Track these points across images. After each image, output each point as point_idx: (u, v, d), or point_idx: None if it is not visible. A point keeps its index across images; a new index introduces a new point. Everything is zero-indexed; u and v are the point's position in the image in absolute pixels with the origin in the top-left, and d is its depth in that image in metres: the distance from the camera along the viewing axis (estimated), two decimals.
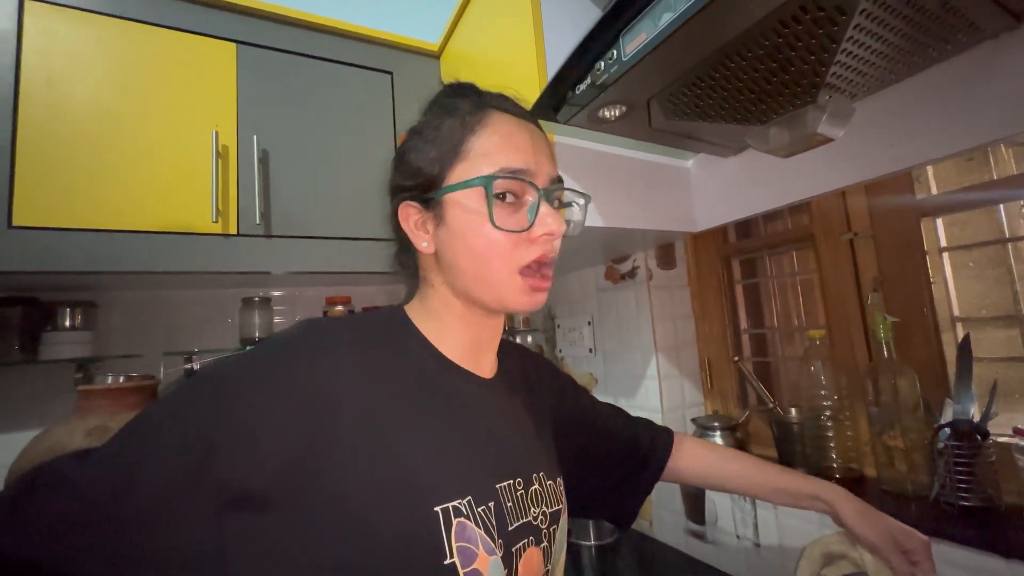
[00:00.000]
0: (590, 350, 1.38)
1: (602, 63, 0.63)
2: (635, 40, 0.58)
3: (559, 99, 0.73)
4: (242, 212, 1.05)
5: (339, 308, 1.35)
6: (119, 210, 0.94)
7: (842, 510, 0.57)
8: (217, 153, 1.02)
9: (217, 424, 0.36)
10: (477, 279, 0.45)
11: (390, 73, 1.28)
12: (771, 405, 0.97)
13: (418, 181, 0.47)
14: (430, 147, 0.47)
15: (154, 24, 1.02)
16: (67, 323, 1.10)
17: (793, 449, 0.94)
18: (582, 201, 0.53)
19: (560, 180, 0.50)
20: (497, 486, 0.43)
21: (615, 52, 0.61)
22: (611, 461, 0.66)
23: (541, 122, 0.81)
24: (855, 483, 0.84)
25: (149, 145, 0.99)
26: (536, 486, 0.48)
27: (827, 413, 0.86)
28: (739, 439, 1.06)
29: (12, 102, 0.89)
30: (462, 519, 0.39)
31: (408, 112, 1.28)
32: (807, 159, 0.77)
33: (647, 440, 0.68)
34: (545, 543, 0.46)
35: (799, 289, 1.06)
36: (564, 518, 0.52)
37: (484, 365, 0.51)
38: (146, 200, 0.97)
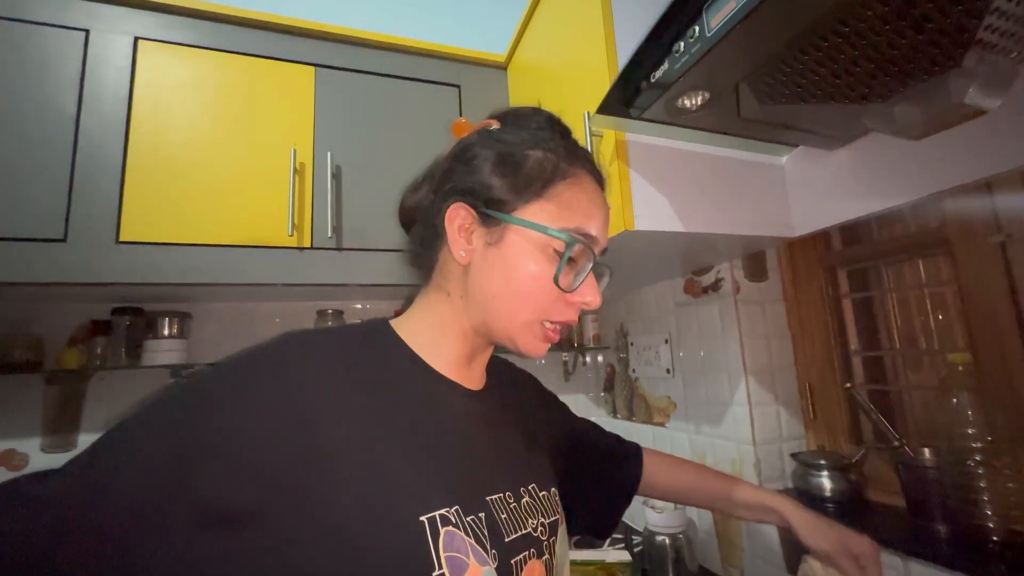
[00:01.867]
0: (668, 371, 1.26)
1: (682, 43, 0.56)
2: (722, 11, 0.50)
3: (632, 90, 0.66)
4: (316, 226, 1.08)
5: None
6: (209, 226, 1.01)
7: (793, 520, 0.62)
8: (295, 170, 1.06)
9: (192, 438, 0.35)
10: (502, 311, 0.45)
11: (457, 87, 1.28)
12: (897, 444, 0.80)
13: (488, 194, 0.45)
14: (514, 169, 0.45)
15: (242, 53, 1.10)
16: (166, 332, 1.19)
17: (928, 499, 0.76)
18: (607, 275, 0.52)
19: (605, 252, 0.49)
20: (487, 498, 0.42)
21: (697, 28, 0.54)
22: (592, 474, 0.67)
23: (611, 118, 0.76)
24: (1022, 550, 0.66)
25: (236, 165, 1.05)
26: (527, 498, 0.47)
27: (976, 457, 0.69)
28: (853, 482, 0.89)
29: (124, 130, 0.98)
30: (450, 528, 0.37)
31: (475, 123, 1.27)
32: (942, 142, 0.63)
33: (620, 454, 0.71)
34: (547, 555, 0.45)
35: (928, 304, 0.89)
36: (562, 529, 0.51)
37: (473, 377, 0.50)
38: (232, 216, 1.03)
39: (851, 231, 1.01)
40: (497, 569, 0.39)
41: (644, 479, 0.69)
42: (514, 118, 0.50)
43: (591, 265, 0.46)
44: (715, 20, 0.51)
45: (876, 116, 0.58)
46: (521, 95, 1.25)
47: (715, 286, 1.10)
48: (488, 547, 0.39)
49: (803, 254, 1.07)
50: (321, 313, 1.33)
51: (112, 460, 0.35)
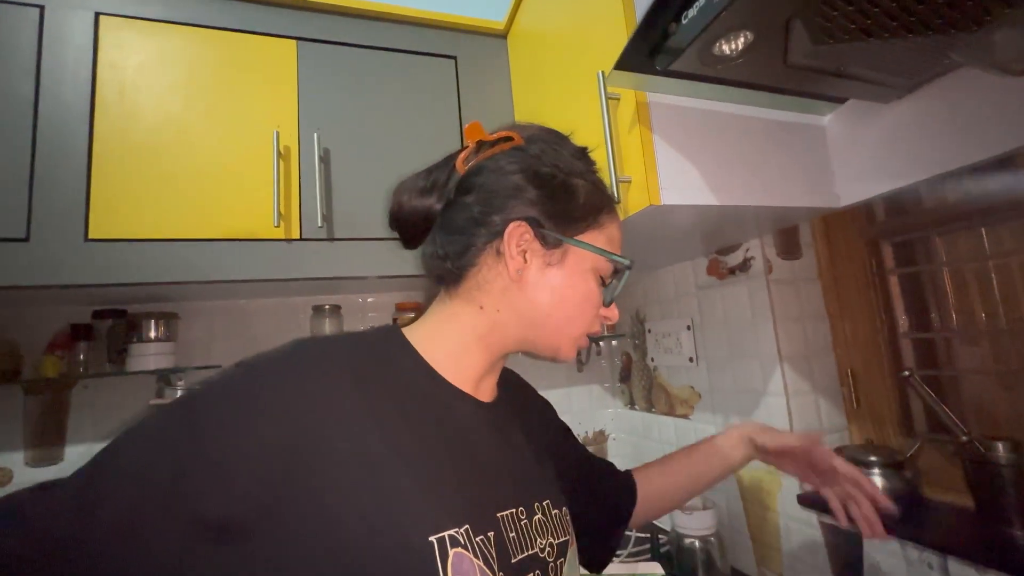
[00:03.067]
0: (691, 359, 1.17)
1: None
2: None
3: (659, 36, 0.56)
4: (304, 216, 0.99)
5: (410, 315, 1.27)
6: (185, 219, 0.92)
7: (758, 439, 0.67)
8: (278, 154, 0.97)
9: (190, 451, 0.35)
10: (554, 326, 0.47)
11: (454, 58, 1.17)
12: (964, 437, 0.71)
13: (550, 217, 0.47)
14: (569, 196, 0.48)
15: (215, 28, 0.99)
16: (151, 334, 1.11)
17: (1001, 499, 0.67)
18: None
19: None
20: (498, 515, 0.42)
21: None
22: (584, 495, 0.63)
23: (630, 76, 0.66)
24: None
25: (213, 150, 0.96)
26: (540, 515, 0.46)
27: None
28: (908, 480, 0.80)
29: (89, 116, 0.89)
30: (459, 549, 0.36)
31: (474, 98, 1.17)
32: None
33: (612, 473, 0.69)
34: None
35: (993, 279, 0.79)
36: (572, 550, 0.49)
37: (485, 389, 0.50)
38: (211, 207, 0.94)
39: (896, 200, 0.90)
40: None
41: (640, 503, 0.67)
42: (543, 140, 0.50)
43: (622, 285, 0.50)
44: None
45: (968, 48, 0.47)
46: (524, 65, 1.14)
47: (743, 266, 1.00)
48: (496, 569, 0.39)
49: (842, 227, 0.97)
50: (318, 309, 1.25)
51: (109, 473, 0.35)
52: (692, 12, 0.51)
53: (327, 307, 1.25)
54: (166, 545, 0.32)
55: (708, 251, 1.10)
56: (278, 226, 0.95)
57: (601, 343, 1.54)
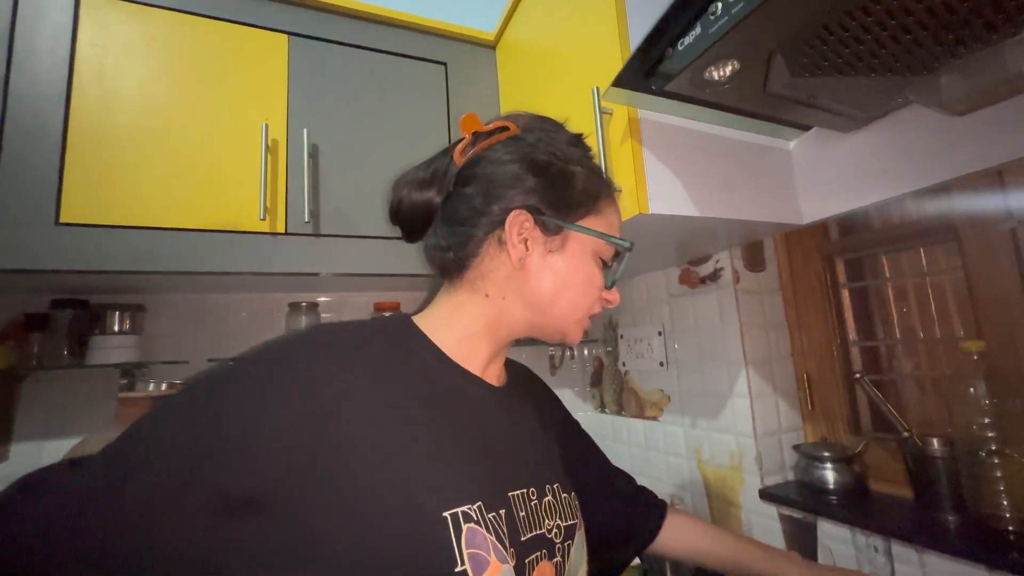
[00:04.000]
0: (661, 363, 1.23)
1: (719, 3, 0.51)
2: None
3: (655, 59, 0.61)
4: (290, 210, 0.99)
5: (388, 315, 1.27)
6: (167, 207, 0.89)
7: None
8: (267, 147, 0.96)
9: (214, 428, 0.36)
10: (558, 312, 0.48)
11: (444, 64, 1.20)
12: (905, 434, 0.79)
13: (550, 204, 0.48)
14: (568, 183, 0.49)
15: (205, 16, 0.98)
16: (115, 327, 1.06)
17: (937, 489, 0.76)
18: None
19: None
20: (509, 494, 0.43)
21: None
22: (609, 516, 0.64)
23: (623, 94, 0.70)
24: None
25: (198, 139, 0.94)
26: (550, 497, 0.47)
27: (991, 447, 0.68)
28: (857, 473, 0.88)
29: (65, 97, 0.86)
30: (472, 525, 0.37)
31: (462, 103, 1.20)
32: (970, 123, 0.61)
33: (645, 503, 0.69)
34: (559, 558, 0.45)
35: (929, 293, 0.89)
36: (580, 534, 0.50)
37: (493, 373, 0.51)
38: (194, 197, 0.92)
39: (847, 221, 1.00)
40: (514, 567, 0.39)
41: (665, 534, 0.67)
42: (539, 128, 0.51)
43: (623, 268, 0.52)
44: None
45: (919, 89, 0.55)
46: (512, 74, 1.19)
47: (714, 276, 1.08)
48: (507, 545, 0.40)
49: (800, 243, 1.06)
50: (294, 306, 1.23)
51: (136, 451, 0.36)
52: (688, 40, 0.56)
53: (304, 304, 1.23)
54: (191, 520, 0.33)
55: (680, 261, 1.17)
56: (264, 219, 0.94)
57: (573, 348, 1.59)
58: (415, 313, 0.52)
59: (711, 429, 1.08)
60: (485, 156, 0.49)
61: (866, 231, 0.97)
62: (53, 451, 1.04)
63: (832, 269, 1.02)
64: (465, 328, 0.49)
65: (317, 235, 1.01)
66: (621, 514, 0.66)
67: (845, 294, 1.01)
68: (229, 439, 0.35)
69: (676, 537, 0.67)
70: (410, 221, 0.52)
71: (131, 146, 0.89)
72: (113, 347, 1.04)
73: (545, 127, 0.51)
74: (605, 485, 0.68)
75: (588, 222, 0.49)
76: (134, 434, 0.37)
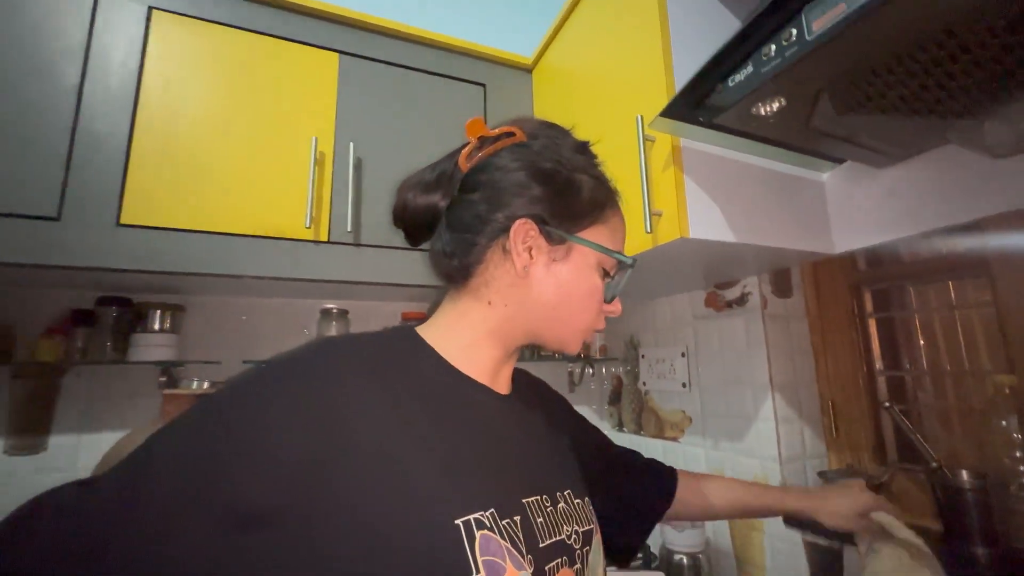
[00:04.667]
0: (684, 384, 1.24)
1: (773, 45, 0.54)
2: (828, 13, 0.49)
3: (704, 92, 0.64)
4: (334, 219, 1.02)
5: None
6: (219, 213, 0.94)
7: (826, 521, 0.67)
8: (315, 159, 1.00)
9: (225, 443, 0.35)
10: (560, 320, 0.49)
11: (483, 85, 1.25)
12: (934, 465, 0.80)
13: (554, 214, 0.48)
14: (574, 192, 0.49)
15: (263, 33, 1.03)
16: (156, 325, 1.10)
17: (967, 521, 0.76)
18: None
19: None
20: (524, 501, 0.43)
21: (795, 31, 0.52)
22: (617, 486, 0.66)
23: (667, 123, 0.74)
24: None
25: (252, 149, 0.98)
26: (563, 504, 0.47)
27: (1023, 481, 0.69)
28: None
29: (132, 105, 0.91)
30: (486, 532, 0.37)
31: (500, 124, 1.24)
32: (1011, 163, 0.64)
33: (647, 468, 0.72)
34: (579, 564, 0.45)
35: (958, 326, 0.90)
36: (597, 539, 0.50)
37: (501, 382, 0.51)
38: (245, 203, 0.96)
39: (876, 252, 1.02)
40: (532, 574, 0.39)
41: (680, 496, 0.69)
42: (545, 135, 0.51)
43: (624, 281, 0.52)
44: (818, 23, 0.50)
45: (961, 131, 0.58)
46: (548, 98, 1.23)
47: (741, 300, 1.10)
48: (524, 552, 0.39)
49: (828, 273, 1.08)
50: (325, 312, 1.26)
51: (147, 468, 0.35)
52: (739, 77, 0.59)
53: (335, 310, 1.27)
54: (203, 536, 0.33)
55: (707, 285, 1.19)
56: (309, 227, 0.98)
57: (593, 365, 1.61)
58: (420, 323, 0.52)
59: (735, 452, 1.09)
60: (491, 162, 0.48)
61: (895, 263, 0.99)
62: (89, 444, 1.07)
63: (860, 299, 1.04)
64: (468, 336, 0.48)
65: (357, 244, 1.04)
66: (638, 487, 0.68)
67: (872, 324, 1.03)
68: (240, 454, 0.35)
69: (688, 498, 0.70)
70: (414, 225, 0.52)
71: (189, 154, 0.93)
72: (153, 345, 1.07)
73: (551, 133, 0.51)
74: (616, 464, 0.69)
75: (593, 232, 0.49)
76: (145, 452, 0.36)
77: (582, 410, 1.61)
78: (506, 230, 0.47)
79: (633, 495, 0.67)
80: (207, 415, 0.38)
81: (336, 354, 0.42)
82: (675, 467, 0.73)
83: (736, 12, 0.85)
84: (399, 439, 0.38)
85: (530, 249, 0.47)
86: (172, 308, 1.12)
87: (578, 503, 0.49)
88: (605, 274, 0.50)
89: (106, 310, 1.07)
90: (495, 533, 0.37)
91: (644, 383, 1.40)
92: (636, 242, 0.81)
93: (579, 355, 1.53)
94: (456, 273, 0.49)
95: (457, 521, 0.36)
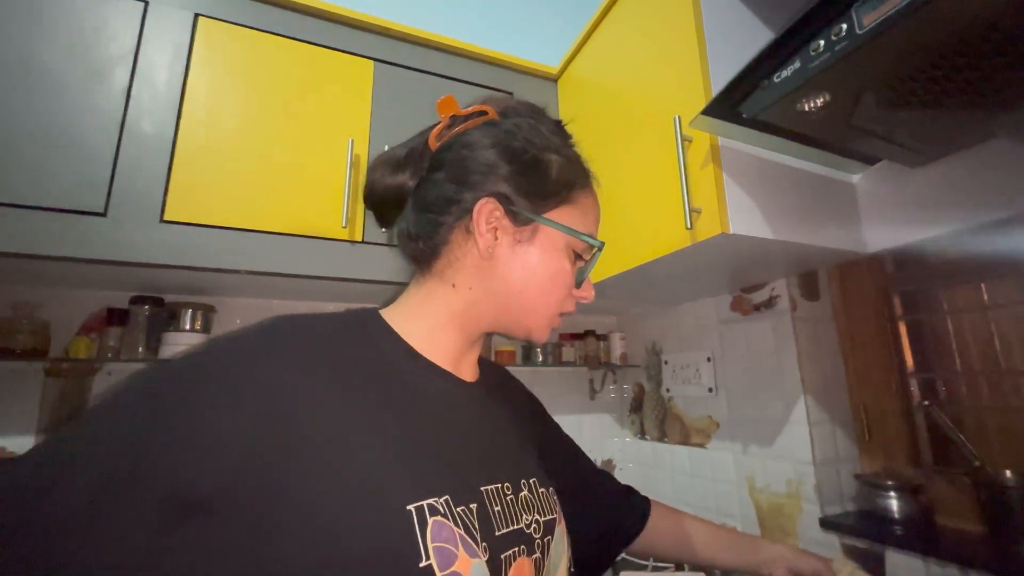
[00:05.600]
0: (710, 389, 1.24)
1: (822, 40, 0.56)
2: (880, 8, 0.51)
3: (748, 90, 0.66)
4: (369, 220, 1.04)
5: None
6: (259, 211, 0.95)
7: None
8: (351, 161, 1.03)
9: (160, 424, 0.32)
10: (526, 304, 0.47)
11: (510, 94, 1.28)
12: (977, 463, 0.80)
13: (520, 193, 0.46)
14: (542, 171, 0.47)
15: (304, 41, 1.07)
16: (187, 325, 1.10)
17: (1012, 520, 0.75)
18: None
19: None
20: (482, 488, 0.41)
21: (844, 26, 0.54)
22: (596, 508, 0.65)
23: (708, 120, 0.76)
24: None
25: (291, 150, 1.01)
26: (526, 492, 0.45)
27: None
28: (923, 505, 0.88)
29: (178, 106, 0.93)
30: (439, 518, 0.36)
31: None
32: None
33: (632, 492, 0.69)
34: (538, 554, 0.43)
35: (992, 327, 0.90)
36: (560, 529, 0.48)
37: (465, 368, 0.50)
38: (283, 203, 0.98)
39: (903, 255, 1.03)
40: (487, 562, 0.37)
41: (657, 524, 0.67)
42: (518, 114, 0.49)
43: (593, 264, 0.50)
44: (869, 18, 0.52)
45: (1008, 124, 0.60)
46: (574, 106, 1.26)
47: (769, 303, 1.10)
48: (479, 539, 0.38)
49: (854, 276, 1.09)
50: None
51: (72, 448, 0.32)
52: (786, 73, 0.61)
53: None
54: (132, 526, 0.30)
55: (732, 289, 1.20)
56: (345, 227, 1.00)
57: (615, 372, 1.60)
58: (384, 306, 0.50)
59: (766, 456, 1.08)
60: (458, 141, 0.47)
61: (923, 265, 1.00)
62: None
63: (888, 301, 1.05)
64: (431, 319, 0.47)
65: (391, 245, 1.05)
66: (606, 510, 0.65)
67: (902, 326, 1.03)
68: (177, 437, 0.32)
69: (662, 533, 0.66)
70: (383, 204, 0.50)
71: (231, 153, 0.96)
72: (184, 344, 1.08)
73: (525, 112, 0.49)
74: (588, 484, 0.66)
75: (561, 212, 0.47)
76: (68, 433, 0.34)
77: (602, 418, 1.61)
78: (470, 210, 0.45)
79: (606, 514, 0.65)
80: (142, 396, 0.34)
81: (288, 336, 0.40)
82: (650, 500, 0.70)
83: (767, 14, 0.88)
84: (348, 424, 0.37)
85: (495, 230, 0.45)
86: (203, 308, 1.13)
87: (542, 492, 0.48)
88: (577, 257, 0.48)
89: (139, 309, 1.08)
90: (448, 520, 0.36)
91: (668, 389, 1.40)
92: (676, 239, 0.83)
93: (599, 362, 1.54)
94: (421, 255, 0.48)
95: (409, 507, 0.35)
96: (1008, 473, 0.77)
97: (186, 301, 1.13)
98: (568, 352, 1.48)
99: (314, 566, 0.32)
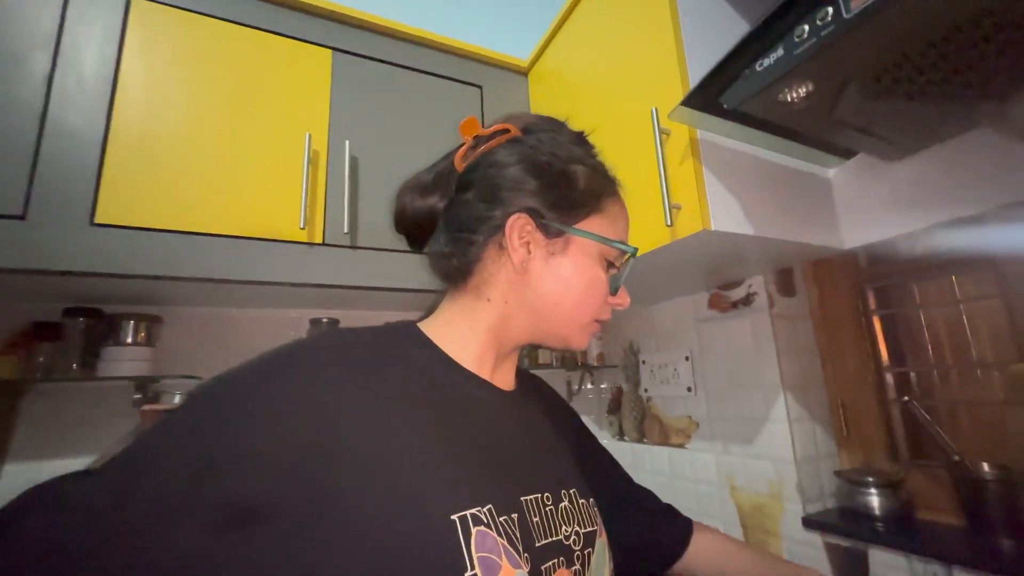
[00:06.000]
0: (689, 389, 1.22)
1: (807, 26, 0.54)
2: None
3: (729, 79, 0.63)
4: (329, 221, 0.97)
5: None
6: (207, 213, 0.87)
7: None
8: (309, 158, 0.95)
9: (215, 440, 0.34)
10: (563, 315, 0.47)
11: (480, 87, 1.23)
12: (956, 457, 0.79)
13: (550, 207, 0.47)
14: (569, 184, 0.47)
15: (253, 27, 0.99)
16: (129, 338, 1.00)
17: (991, 514, 0.75)
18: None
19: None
20: (522, 498, 0.41)
21: (831, 10, 0.51)
22: (637, 528, 0.62)
23: (688, 111, 0.72)
24: None
25: (241, 146, 0.92)
26: (566, 503, 0.45)
27: None
28: (903, 499, 0.88)
29: (109, 97, 0.84)
30: (482, 528, 0.36)
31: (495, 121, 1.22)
32: (1012, 159, 0.65)
33: (674, 513, 0.66)
34: (577, 566, 0.43)
35: (964, 320, 0.91)
36: (601, 542, 0.47)
37: (503, 378, 0.50)
38: (234, 203, 0.90)
39: (876, 250, 1.03)
40: (529, 573, 0.38)
41: (693, 551, 0.63)
42: (540, 129, 0.50)
43: (627, 270, 0.50)
44: (857, 1, 0.49)
45: (993, 115, 0.58)
46: (546, 101, 1.22)
47: (747, 300, 1.09)
48: (521, 550, 0.38)
49: (829, 272, 1.08)
50: (315, 322, 1.19)
51: (138, 464, 0.34)
52: (768, 61, 0.58)
53: (325, 320, 1.20)
54: (193, 535, 0.32)
55: (709, 286, 1.18)
56: (303, 228, 0.93)
57: (592, 373, 1.57)
58: (420, 319, 0.51)
59: (746, 455, 1.07)
60: (485, 160, 0.48)
61: (896, 261, 1.00)
62: (52, 471, 0.95)
63: (863, 297, 1.04)
64: (468, 334, 0.48)
65: (354, 247, 0.99)
66: (646, 529, 0.63)
67: (876, 321, 1.03)
68: (231, 451, 0.34)
69: (703, 557, 0.63)
70: (415, 228, 0.51)
71: (173, 149, 0.87)
72: (127, 359, 0.98)
73: (546, 126, 0.51)
74: (628, 499, 0.65)
75: (591, 222, 0.48)
76: (136, 448, 0.36)
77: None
78: (502, 227, 0.46)
79: (644, 533, 0.63)
80: (199, 412, 0.37)
81: (333, 349, 0.41)
82: (691, 521, 0.67)
83: (744, 3, 0.85)
84: (395, 436, 0.38)
85: (527, 244, 0.46)
86: (148, 319, 1.03)
87: (582, 503, 0.48)
88: (609, 265, 0.49)
89: (73, 322, 0.98)
90: (492, 530, 0.36)
91: (646, 389, 1.37)
92: (655, 236, 0.79)
93: (577, 363, 1.50)
94: (455, 273, 0.49)
95: (453, 517, 0.35)
96: (985, 466, 0.77)
97: (128, 312, 1.03)
98: (544, 354, 1.44)
99: (362, 573, 0.33)
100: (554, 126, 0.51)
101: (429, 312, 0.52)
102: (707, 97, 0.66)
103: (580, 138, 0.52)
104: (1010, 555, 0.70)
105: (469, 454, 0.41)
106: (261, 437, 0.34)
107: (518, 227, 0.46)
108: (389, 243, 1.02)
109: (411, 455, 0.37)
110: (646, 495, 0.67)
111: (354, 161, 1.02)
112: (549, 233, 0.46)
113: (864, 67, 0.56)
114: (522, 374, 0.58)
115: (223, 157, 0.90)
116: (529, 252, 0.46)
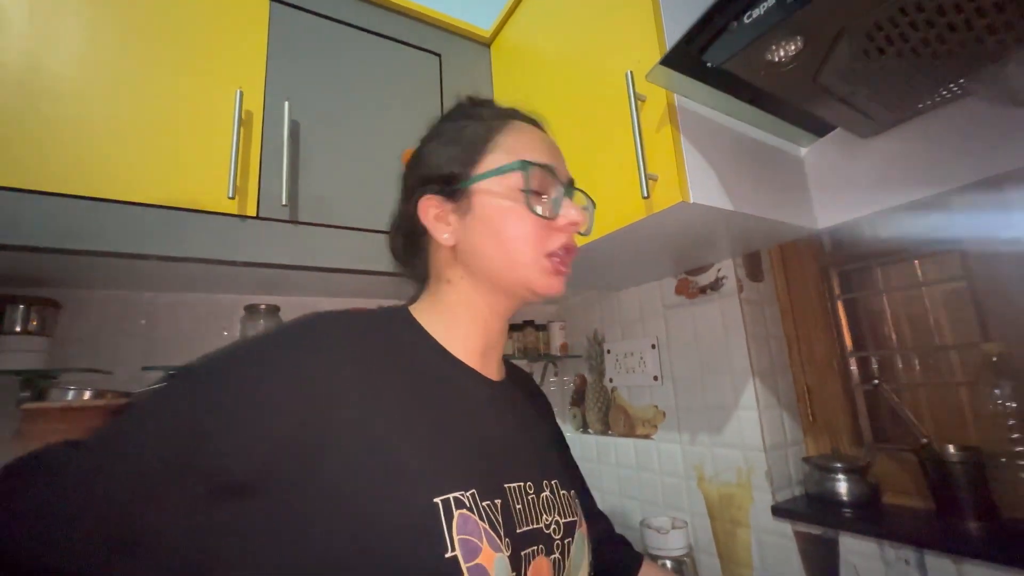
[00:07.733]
0: (655, 378, 1.18)
1: None
2: None
3: (715, 32, 0.58)
4: (264, 191, 0.85)
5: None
6: (111, 175, 0.74)
7: None
8: (240, 117, 0.83)
9: (209, 410, 0.35)
10: (506, 262, 0.46)
11: (439, 55, 1.13)
12: (924, 440, 0.79)
13: (442, 174, 0.48)
14: (453, 146, 0.49)
15: None
16: (18, 326, 0.85)
17: (959, 495, 0.75)
18: (591, 206, 0.55)
19: (573, 183, 0.51)
20: (506, 485, 0.43)
21: None
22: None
23: (666, 73, 0.67)
24: None
25: (156, 99, 0.79)
26: (547, 493, 0.47)
27: (1017, 448, 0.68)
28: (871, 484, 0.87)
29: None
30: (464, 511, 0.37)
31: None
32: (991, 130, 0.63)
33: (627, 544, 0.67)
34: (556, 555, 0.44)
35: (926, 303, 0.91)
36: (581, 533, 0.49)
37: (491, 367, 0.51)
38: (146, 165, 0.76)
39: (839, 234, 1.02)
40: (509, 558, 0.39)
41: None
42: (442, 118, 0.54)
43: (562, 188, 0.48)
44: None
45: (983, 77, 0.56)
46: (509, 73, 1.14)
47: (715, 285, 1.06)
48: (502, 535, 0.39)
49: (796, 256, 1.07)
50: (251, 309, 1.06)
51: (131, 432, 0.36)
52: (758, 12, 0.53)
53: (263, 307, 1.07)
54: (185, 504, 0.33)
55: (676, 271, 1.15)
56: (232, 198, 0.80)
57: (556, 364, 1.52)
58: (412, 302, 0.52)
59: (714, 445, 1.04)
60: (407, 164, 0.53)
61: (860, 244, 0.99)
62: None
63: (828, 280, 1.04)
64: (448, 318, 0.49)
65: (295, 222, 0.87)
66: (598, 555, 0.60)
67: (840, 305, 1.02)
68: (225, 423, 0.35)
69: None
70: (406, 262, 0.55)
71: (69, 99, 0.73)
72: (14, 350, 0.83)
73: (432, 123, 0.54)
74: (590, 517, 0.61)
75: (485, 163, 0.47)
76: (129, 416, 0.36)
77: None
78: (417, 215, 0.49)
79: (599, 560, 0.59)
80: (195, 384, 0.37)
81: (328, 330, 0.41)
82: (641, 555, 0.66)
83: None
84: (385, 417, 0.39)
85: (442, 219, 0.48)
86: (41, 303, 0.88)
87: (564, 494, 0.49)
88: (535, 194, 0.47)
89: None
90: (474, 513, 0.37)
91: (611, 379, 1.33)
92: (631, 209, 0.73)
93: (539, 353, 1.44)
94: (419, 270, 0.53)
95: (436, 499, 0.36)
96: (951, 448, 0.77)
97: (17, 294, 0.87)
98: (506, 344, 1.36)
99: (344, 551, 0.34)
100: (452, 107, 0.54)
101: (412, 300, 0.53)
102: (689, 55, 0.61)
103: (468, 99, 0.54)
104: (982, 537, 0.70)
105: (455, 440, 0.42)
106: (256, 413, 0.35)
107: (424, 208, 0.48)
108: (336, 218, 0.92)
109: (399, 438, 0.38)
110: (604, 519, 0.68)
111: (295, 125, 0.91)
112: (455, 197, 0.47)
113: (859, 20, 0.52)
114: (510, 366, 0.59)
115: (134, 111, 0.77)
116: (449, 223, 0.48)
